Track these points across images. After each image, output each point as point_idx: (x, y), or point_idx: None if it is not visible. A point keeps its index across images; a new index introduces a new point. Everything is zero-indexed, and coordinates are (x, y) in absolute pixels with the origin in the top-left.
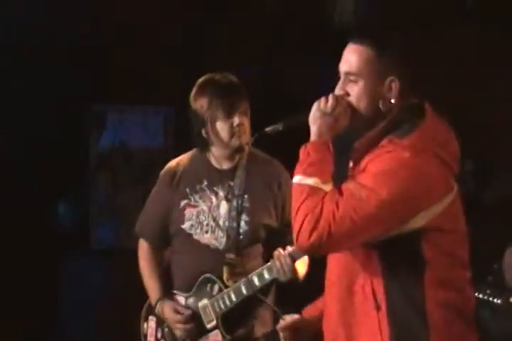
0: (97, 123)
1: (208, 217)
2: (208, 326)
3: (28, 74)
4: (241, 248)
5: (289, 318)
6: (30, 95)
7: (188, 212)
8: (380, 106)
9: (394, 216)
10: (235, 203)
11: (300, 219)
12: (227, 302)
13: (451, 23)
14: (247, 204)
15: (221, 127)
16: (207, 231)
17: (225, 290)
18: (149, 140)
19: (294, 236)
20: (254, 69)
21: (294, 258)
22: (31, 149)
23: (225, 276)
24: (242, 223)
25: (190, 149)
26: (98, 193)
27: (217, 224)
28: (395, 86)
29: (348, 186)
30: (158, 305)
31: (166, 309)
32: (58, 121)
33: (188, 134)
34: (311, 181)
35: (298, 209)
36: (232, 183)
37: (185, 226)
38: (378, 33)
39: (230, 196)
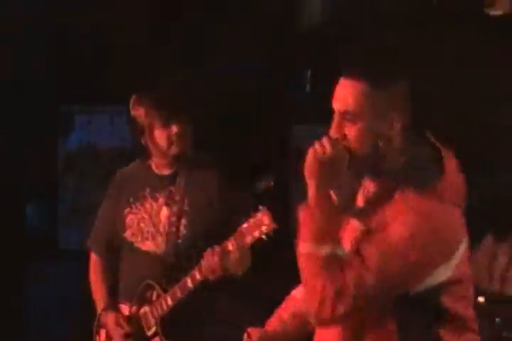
0: (65, 124)
1: (149, 224)
2: (149, 333)
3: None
4: (181, 252)
5: (254, 333)
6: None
7: (129, 220)
8: (381, 145)
9: (421, 275)
10: (175, 208)
11: (320, 292)
12: (164, 307)
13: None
14: (186, 209)
15: (159, 136)
16: (147, 238)
17: (163, 295)
18: (117, 140)
19: (312, 308)
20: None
21: (222, 256)
22: None
23: (164, 281)
24: (182, 227)
25: None
26: (66, 194)
27: (158, 230)
28: (398, 123)
29: (371, 250)
30: (102, 317)
31: (109, 321)
32: (26, 121)
33: None
34: (325, 249)
35: (315, 281)
36: (173, 189)
37: (127, 234)
38: (374, 63)
39: (170, 201)
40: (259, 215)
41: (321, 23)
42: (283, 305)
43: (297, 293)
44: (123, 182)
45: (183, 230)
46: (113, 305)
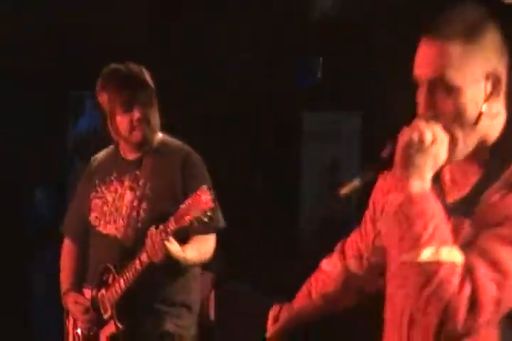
0: (75, 108)
1: (112, 208)
2: (105, 316)
3: (4, 61)
4: (140, 236)
5: (282, 310)
6: (6, 82)
7: (93, 203)
8: (483, 120)
9: None
10: (138, 193)
11: (447, 304)
12: (118, 290)
13: None
14: (148, 193)
15: (120, 121)
16: (109, 222)
17: (117, 278)
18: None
19: (434, 319)
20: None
21: (164, 236)
22: (7, 136)
23: (121, 265)
24: (141, 212)
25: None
26: (76, 178)
27: (120, 214)
28: (490, 86)
29: (497, 252)
30: (64, 299)
31: (68, 301)
32: (36, 106)
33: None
34: (441, 255)
35: (435, 293)
36: (138, 173)
37: (91, 217)
38: (464, 17)
39: (134, 185)
40: (198, 194)
41: (332, 9)
42: (312, 281)
43: (327, 265)
44: (94, 168)
45: (142, 214)
46: (74, 287)
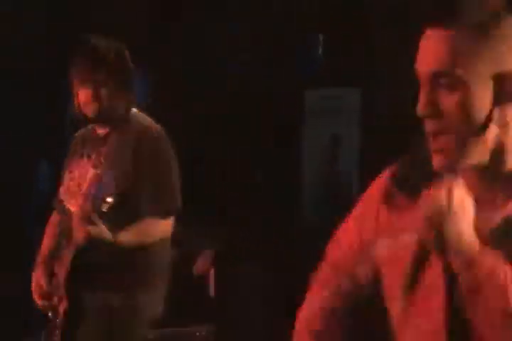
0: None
1: (75, 184)
2: (59, 293)
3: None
4: (97, 214)
5: None
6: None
7: (65, 178)
8: (492, 117)
9: None
10: (98, 170)
11: None
12: (67, 266)
13: None
14: (105, 170)
15: (76, 96)
16: (72, 198)
17: (65, 257)
18: None
19: None
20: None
21: (83, 218)
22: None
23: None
24: (96, 190)
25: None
26: None
27: (80, 190)
28: (501, 87)
29: None
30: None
31: (33, 277)
32: (38, 85)
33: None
34: None
35: None
36: (102, 150)
37: (60, 193)
38: (480, 4)
39: (97, 162)
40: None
41: None
42: None
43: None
44: (74, 144)
45: (97, 193)
46: (45, 261)
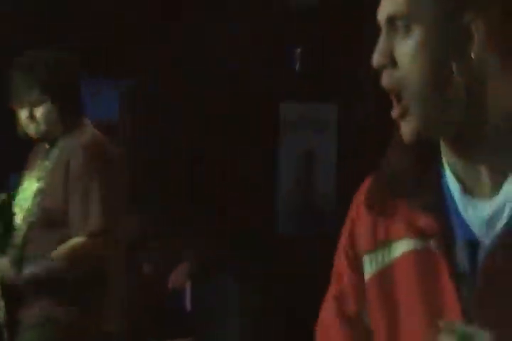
0: None
1: (22, 198)
2: None
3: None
4: (28, 232)
5: None
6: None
7: (19, 191)
8: (454, 70)
9: None
10: (40, 184)
11: None
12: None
13: None
14: (43, 186)
15: (18, 116)
16: (18, 213)
17: None
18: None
19: None
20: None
21: None
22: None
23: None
24: (35, 206)
25: (140, 124)
26: None
27: (24, 204)
28: (479, 30)
29: None
30: None
31: None
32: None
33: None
34: None
35: None
36: (47, 163)
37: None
38: None
39: (41, 176)
40: None
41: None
42: None
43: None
44: (30, 158)
45: (34, 208)
46: None
